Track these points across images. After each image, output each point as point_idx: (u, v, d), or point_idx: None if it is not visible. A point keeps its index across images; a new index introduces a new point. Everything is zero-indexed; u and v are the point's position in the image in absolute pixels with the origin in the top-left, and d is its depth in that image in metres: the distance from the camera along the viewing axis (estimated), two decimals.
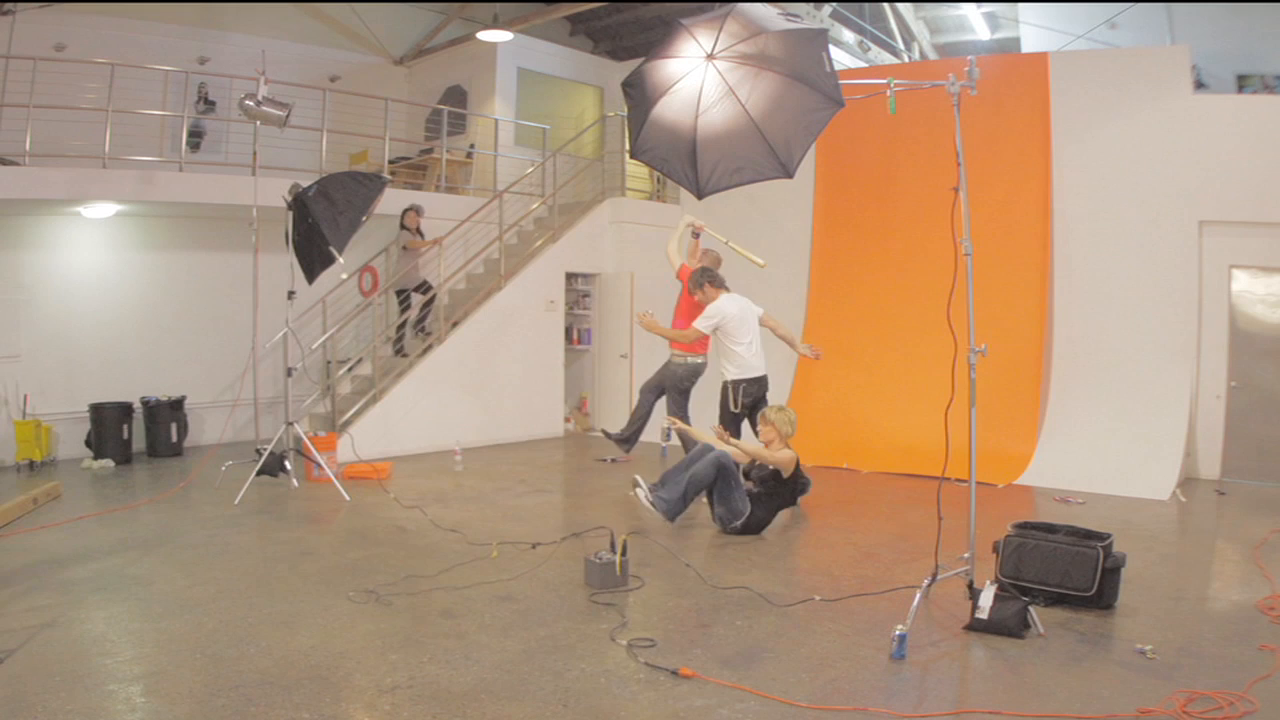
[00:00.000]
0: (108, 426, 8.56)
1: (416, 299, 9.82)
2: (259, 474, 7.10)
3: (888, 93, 4.26)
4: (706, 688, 3.58)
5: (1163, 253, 8.38)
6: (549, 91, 12.57)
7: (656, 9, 12.34)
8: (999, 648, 4.03)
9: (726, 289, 7.24)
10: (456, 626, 4.24)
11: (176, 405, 9.10)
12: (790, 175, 4.34)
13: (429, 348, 9.56)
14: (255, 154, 8.20)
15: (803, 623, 4.36)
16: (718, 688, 3.57)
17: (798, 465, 6.23)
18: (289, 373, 7.62)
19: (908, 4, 13.24)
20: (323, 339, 9.42)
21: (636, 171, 11.88)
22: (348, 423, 8.85)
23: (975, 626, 4.17)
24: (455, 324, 9.75)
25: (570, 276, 11.01)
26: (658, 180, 12.02)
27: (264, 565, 5.26)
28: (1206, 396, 8.28)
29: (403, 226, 9.66)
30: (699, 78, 4.32)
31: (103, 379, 8.88)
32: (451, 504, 6.99)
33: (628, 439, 8.20)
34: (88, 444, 8.58)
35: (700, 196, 4.58)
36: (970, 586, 4.32)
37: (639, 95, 4.47)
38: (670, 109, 4.46)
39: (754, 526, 6.08)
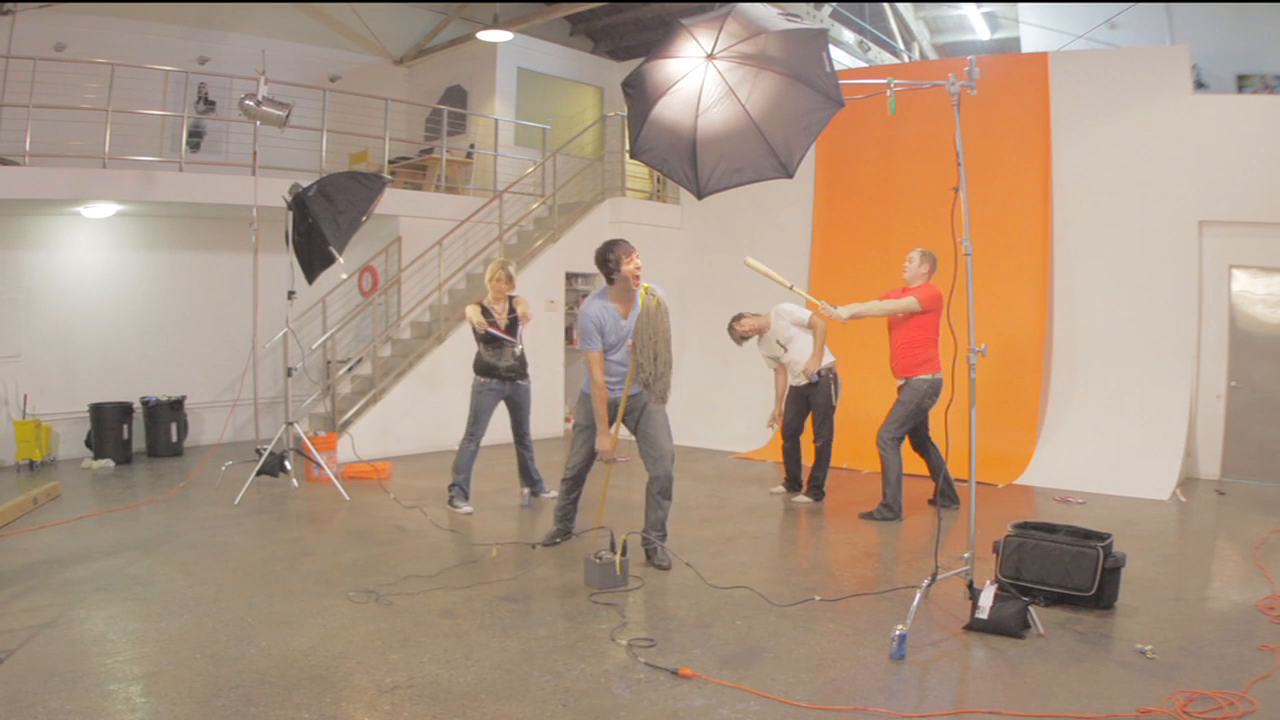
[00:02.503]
0: (108, 426, 8.55)
1: None
2: (259, 474, 7.10)
3: (888, 93, 4.26)
4: (706, 688, 3.57)
5: (1163, 253, 8.37)
6: (549, 91, 12.57)
7: (656, 9, 12.34)
8: (999, 648, 4.02)
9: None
10: (456, 626, 4.24)
11: (176, 405, 9.10)
12: (790, 175, 4.34)
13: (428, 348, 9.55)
14: (255, 154, 8.19)
15: (803, 623, 4.36)
16: (718, 688, 3.57)
17: None
18: (289, 373, 7.62)
19: (908, 4, 13.22)
20: (323, 339, 9.43)
21: (636, 171, 11.88)
22: (348, 423, 8.85)
23: (975, 626, 4.17)
24: (455, 323, 9.74)
25: (570, 276, 11.01)
26: (658, 180, 12.01)
27: (264, 565, 5.26)
28: (1206, 396, 8.28)
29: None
30: (699, 78, 4.32)
31: (103, 379, 8.87)
32: None
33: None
34: (88, 444, 8.58)
35: (700, 196, 4.58)
36: (970, 586, 4.31)
37: (639, 95, 4.46)
38: (670, 109, 4.45)
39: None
